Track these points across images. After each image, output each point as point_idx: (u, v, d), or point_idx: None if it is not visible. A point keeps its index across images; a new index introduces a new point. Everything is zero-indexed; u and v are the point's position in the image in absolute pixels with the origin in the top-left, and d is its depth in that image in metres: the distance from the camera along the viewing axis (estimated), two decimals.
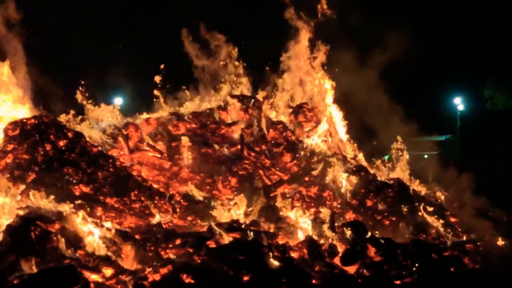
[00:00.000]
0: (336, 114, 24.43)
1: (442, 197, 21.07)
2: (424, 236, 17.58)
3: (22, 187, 14.94)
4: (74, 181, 16.39)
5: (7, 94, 18.45)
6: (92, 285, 12.30)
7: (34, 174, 15.97)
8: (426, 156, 31.72)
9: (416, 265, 14.80)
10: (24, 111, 18.50)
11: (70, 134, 17.69)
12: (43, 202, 14.28)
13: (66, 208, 14.29)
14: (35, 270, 12.22)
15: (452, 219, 19.20)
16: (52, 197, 14.55)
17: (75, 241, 13.42)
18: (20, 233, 12.99)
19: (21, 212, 13.62)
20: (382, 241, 15.40)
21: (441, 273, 14.87)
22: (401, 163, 22.52)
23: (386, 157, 24.52)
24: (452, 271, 15.14)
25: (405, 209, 18.63)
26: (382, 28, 25.17)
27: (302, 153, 21.08)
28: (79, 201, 15.44)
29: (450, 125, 50.08)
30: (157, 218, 16.37)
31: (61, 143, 17.34)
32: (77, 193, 16.03)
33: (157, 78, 22.59)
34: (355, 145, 23.57)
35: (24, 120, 17.56)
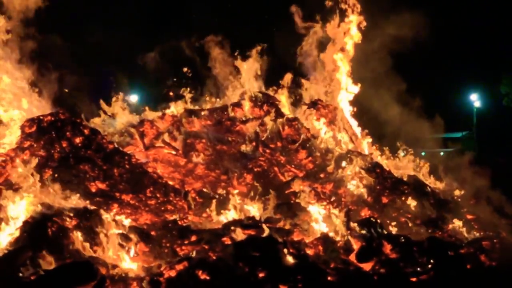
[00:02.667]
0: (351, 110, 24.40)
1: (459, 194, 20.94)
2: (440, 233, 17.50)
3: (39, 183, 15.02)
4: (90, 178, 16.47)
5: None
6: (108, 281, 12.36)
7: (50, 171, 16.06)
8: (442, 153, 31.61)
9: (432, 262, 14.72)
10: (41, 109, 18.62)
11: (86, 131, 17.77)
12: (60, 198, 14.37)
13: (82, 204, 14.39)
14: (52, 266, 12.31)
15: (469, 216, 19.09)
16: (68, 193, 14.67)
17: (91, 237, 13.50)
18: (36, 229, 13.10)
19: (37, 209, 13.71)
20: (398, 238, 15.35)
21: (457, 271, 14.79)
22: (417, 159, 22.43)
23: (401, 154, 24.41)
24: (469, 268, 15.06)
25: (421, 206, 18.53)
26: (397, 24, 24.98)
27: (317, 150, 21.03)
28: (95, 198, 15.52)
29: (466, 122, 49.79)
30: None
31: (77, 140, 17.41)
32: (93, 190, 16.10)
33: (173, 76, 22.63)
34: (371, 141, 23.47)
35: (41, 117, 17.66)
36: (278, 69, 24.10)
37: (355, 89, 24.57)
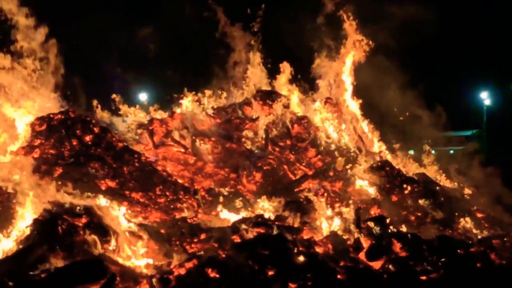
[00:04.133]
0: (360, 108, 24.37)
1: (469, 192, 20.88)
2: (450, 231, 17.47)
3: (49, 181, 15.07)
4: (100, 176, 16.51)
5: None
6: (118, 278, 12.39)
7: (60, 169, 16.12)
8: (452, 151, 31.47)
9: (442, 260, 14.67)
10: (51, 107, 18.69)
11: (96, 129, 17.82)
12: (70, 196, 14.42)
13: (92, 202, 14.43)
14: (62, 263, 12.36)
15: (479, 214, 19.03)
16: (78, 191, 14.71)
17: (102, 235, 13.54)
18: (47, 227, 13.14)
19: (48, 207, 13.76)
20: (408, 237, 15.31)
21: (468, 269, 14.73)
22: (427, 158, 22.38)
23: (411, 151, 24.36)
24: (479, 267, 14.99)
25: (431, 204, 18.48)
26: (407, 21, 24.92)
27: (326, 148, 21.02)
28: (105, 196, 15.56)
29: (476, 120, 49.55)
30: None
31: (87, 138, 17.47)
32: (103, 188, 16.13)
33: (182, 73, 22.65)
34: (380, 139, 23.43)
35: (51, 116, 17.73)
36: (288, 67, 24.06)
37: (364, 87, 24.55)
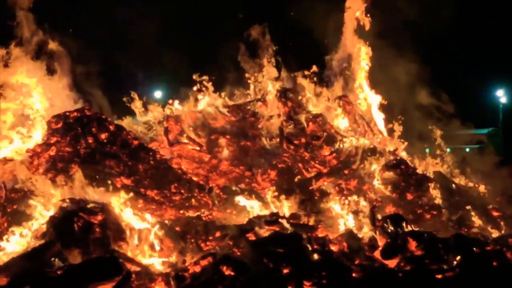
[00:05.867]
0: (375, 106, 24.28)
1: (484, 191, 20.75)
2: (466, 230, 17.37)
3: (65, 179, 15.15)
4: (116, 174, 16.57)
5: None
6: (133, 276, 12.45)
7: (76, 167, 16.20)
8: (467, 150, 31.29)
9: (458, 259, 14.60)
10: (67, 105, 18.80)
11: (111, 127, 17.89)
12: (86, 194, 14.49)
13: (107, 200, 14.50)
14: (78, 260, 12.43)
15: (495, 213, 18.92)
16: (94, 189, 14.78)
17: (117, 232, 13.61)
18: (63, 225, 13.24)
19: (64, 204, 13.85)
20: (423, 235, 15.24)
21: (483, 268, 14.63)
22: (442, 156, 22.27)
23: (426, 150, 24.25)
24: (495, 265, 14.89)
25: (447, 203, 18.40)
26: (425, 17, 24.85)
27: (341, 146, 20.97)
28: (121, 193, 15.62)
29: (492, 118, 49.22)
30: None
31: (103, 136, 17.53)
32: (118, 185, 16.17)
33: (197, 71, 22.65)
34: (396, 137, 23.31)
35: (67, 113, 17.81)
36: (303, 64, 24.04)
37: (380, 84, 24.47)
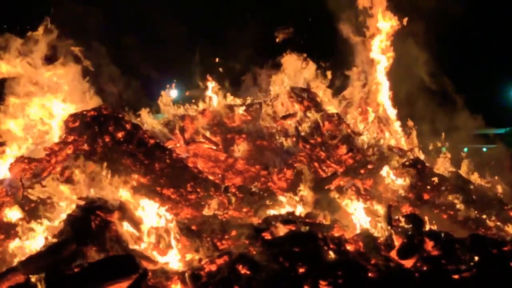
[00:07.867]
0: (391, 106, 24.21)
1: (502, 191, 20.60)
2: (483, 230, 17.25)
3: (82, 177, 15.24)
4: (132, 172, 16.64)
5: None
6: (150, 274, 12.49)
7: (94, 165, 16.26)
8: (484, 149, 31.10)
9: (475, 260, 14.50)
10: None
11: (128, 126, 17.99)
12: (103, 192, 14.57)
13: (124, 198, 14.56)
14: (95, 258, 12.49)
15: None
16: (111, 187, 14.85)
17: (134, 230, 13.67)
18: (80, 223, 13.29)
19: (81, 202, 13.93)
20: (440, 235, 15.16)
21: (500, 268, 14.53)
22: (459, 155, 22.14)
23: (443, 149, 24.12)
24: None
25: (464, 203, 18.30)
26: (440, 17, 24.70)
27: (357, 145, 20.92)
28: (137, 192, 15.68)
29: (509, 118, 48.87)
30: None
31: (120, 134, 17.64)
32: (135, 184, 16.25)
33: (212, 70, 22.75)
34: (412, 137, 23.22)
35: (84, 112, 17.94)
36: (318, 64, 24.03)
37: (396, 84, 24.39)
